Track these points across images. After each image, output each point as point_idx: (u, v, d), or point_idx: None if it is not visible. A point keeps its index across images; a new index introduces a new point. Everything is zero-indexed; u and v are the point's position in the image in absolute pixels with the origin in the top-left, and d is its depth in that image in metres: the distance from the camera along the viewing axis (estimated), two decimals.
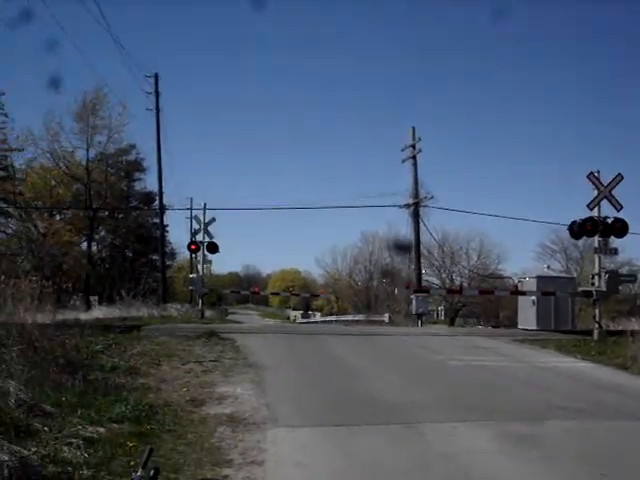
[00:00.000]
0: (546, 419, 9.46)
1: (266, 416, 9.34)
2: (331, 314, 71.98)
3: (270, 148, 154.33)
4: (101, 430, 7.99)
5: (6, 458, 5.44)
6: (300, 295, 72.93)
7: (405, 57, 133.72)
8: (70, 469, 6.36)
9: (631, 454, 7.89)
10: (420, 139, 37.22)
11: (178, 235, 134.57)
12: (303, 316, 77.99)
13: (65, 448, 6.88)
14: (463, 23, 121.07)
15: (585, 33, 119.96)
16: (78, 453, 6.86)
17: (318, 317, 73.47)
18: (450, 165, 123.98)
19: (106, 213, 51.57)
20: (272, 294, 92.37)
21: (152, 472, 5.02)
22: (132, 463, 6.73)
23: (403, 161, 38.02)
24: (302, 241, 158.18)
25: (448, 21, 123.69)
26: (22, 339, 11.14)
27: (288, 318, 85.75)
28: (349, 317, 58.22)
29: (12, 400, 8.39)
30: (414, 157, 37.42)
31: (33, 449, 6.59)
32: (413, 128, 37.58)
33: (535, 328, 24.38)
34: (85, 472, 6.37)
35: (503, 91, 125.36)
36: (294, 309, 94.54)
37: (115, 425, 8.32)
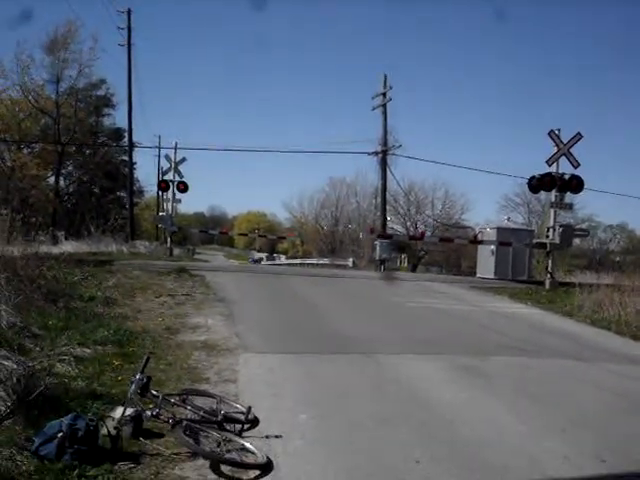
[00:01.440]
0: (492, 355, 10.49)
1: (237, 343, 10.19)
2: (296, 257, 72.83)
3: (242, 89, 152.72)
4: (88, 351, 8.77)
5: (15, 367, 6.18)
6: (267, 237, 73.49)
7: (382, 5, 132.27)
8: (66, 380, 7.16)
9: (561, 384, 8.96)
10: (391, 87, 37.67)
11: (146, 173, 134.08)
12: (268, 258, 78.73)
13: (58, 364, 7.64)
14: None
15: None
16: (70, 368, 7.64)
17: (283, 260, 74.25)
18: (423, 115, 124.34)
19: (74, 148, 51.39)
20: (240, 235, 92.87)
21: (145, 379, 5.87)
22: (120, 378, 7.56)
23: (373, 109, 38.54)
24: (269, 184, 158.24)
25: None
26: (7, 268, 11.82)
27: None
28: (314, 260, 59.08)
29: (4, 322, 9.14)
30: (384, 105, 37.92)
31: (29, 364, 7.35)
32: (385, 76, 37.98)
33: (493, 277, 25.47)
34: (80, 383, 7.19)
35: (472, 43, 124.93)
36: (259, 251, 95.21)
37: (99, 347, 9.10)
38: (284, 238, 75.90)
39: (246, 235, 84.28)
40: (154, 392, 5.94)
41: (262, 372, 8.48)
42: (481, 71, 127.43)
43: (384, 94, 37.77)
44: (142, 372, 5.77)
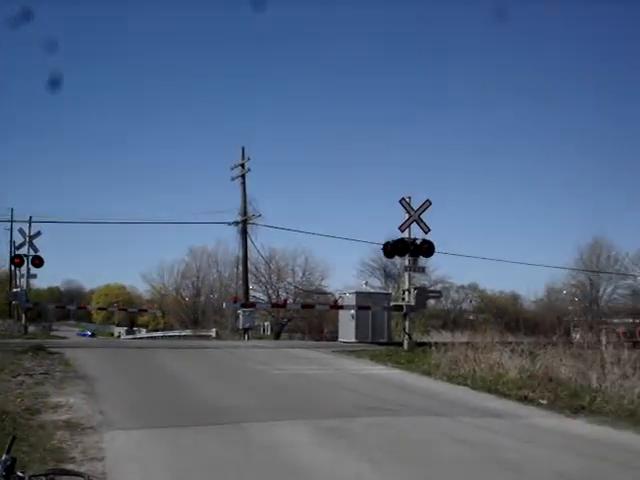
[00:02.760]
0: (355, 416, 10.82)
1: (101, 421, 9.99)
2: (157, 330, 71.41)
3: (97, 161, 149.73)
4: None
5: None
6: (127, 310, 71.75)
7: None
8: None
9: (422, 440, 9.39)
10: (249, 159, 38.47)
11: None
12: (128, 332, 76.69)
13: None
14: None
15: None
16: None
17: (144, 333, 72.58)
18: (282, 183, 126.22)
19: None
20: (99, 309, 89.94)
21: (9, 461, 5.75)
22: None
23: (232, 179, 39.11)
24: (128, 256, 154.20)
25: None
26: None
27: (112, 334, 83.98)
28: (176, 333, 58.21)
29: None
30: (243, 176, 38.59)
31: None
32: (242, 148, 38.79)
33: (354, 340, 26.13)
34: None
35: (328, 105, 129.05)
36: (118, 325, 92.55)
37: None
38: (145, 311, 74.21)
39: (105, 309, 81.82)
40: (19, 474, 5.77)
41: (129, 449, 8.39)
42: (328, 141, 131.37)
43: (242, 165, 38.46)
44: (7, 453, 5.64)
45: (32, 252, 29.32)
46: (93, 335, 70.05)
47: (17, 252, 30.71)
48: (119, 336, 72.08)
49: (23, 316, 30.43)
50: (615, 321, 62.96)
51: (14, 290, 33.01)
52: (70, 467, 7.30)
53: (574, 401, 12.85)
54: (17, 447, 8.04)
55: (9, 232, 51.54)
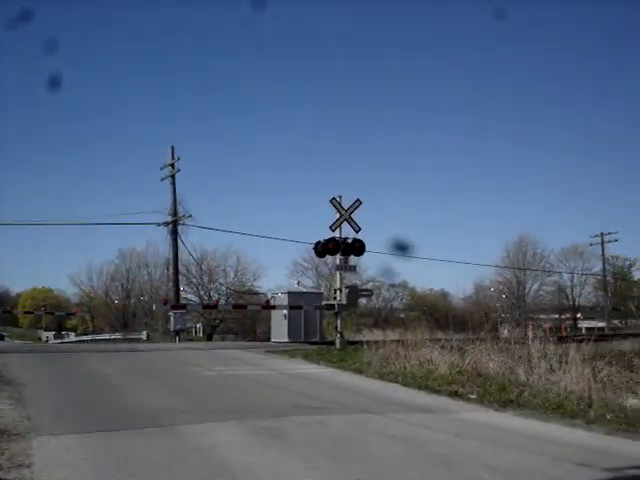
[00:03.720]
0: (288, 415, 10.85)
1: (28, 427, 9.75)
2: (86, 334, 70.16)
3: (22, 162, 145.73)
4: None
5: None
6: (55, 314, 70.29)
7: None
8: None
9: (355, 437, 9.50)
10: (179, 159, 38.12)
11: None
12: (56, 336, 75.14)
13: None
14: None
15: None
16: None
17: (72, 337, 71.22)
18: (213, 184, 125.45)
19: None
20: (25, 313, 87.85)
21: None
22: None
23: (162, 179, 38.71)
24: (55, 258, 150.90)
25: None
26: None
27: (40, 339, 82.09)
28: (106, 336, 57.36)
29: None
30: (173, 176, 38.23)
31: None
32: (172, 147, 38.45)
33: (287, 340, 26.20)
34: None
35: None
36: (46, 329, 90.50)
37: None
38: (73, 314, 72.82)
39: (32, 313, 79.97)
40: None
41: (58, 454, 8.21)
42: (264, 139, 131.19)
43: (172, 165, 38.09)
44: None
45: None
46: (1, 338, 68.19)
47: None
48: (47, 340, 70.63)
49: None
50: (542, 317, 64.78)
51: None
52: None
53: (502, 395, 13.15)
54: None
55: None
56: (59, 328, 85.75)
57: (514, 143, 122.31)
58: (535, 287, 72.82)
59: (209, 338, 50.76)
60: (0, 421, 10.12)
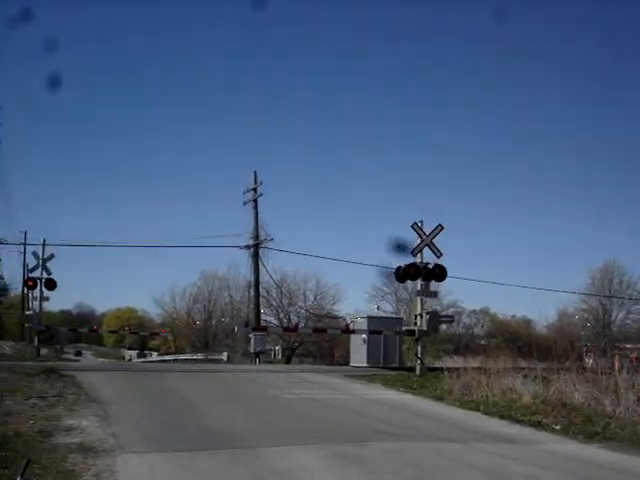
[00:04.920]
0: (368, 441, 10.78)
1: (114, 444, 9.99)
2: (168, 354, 71.43)
3: (111, 186, 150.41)
4: None
5: None
6: (139, 333, 71.91)
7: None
8: None
9: (435, 465, 9.34)
10: (261, 183, 38.70)
11: (11, 270, 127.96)
12: (139, 355, 76.81)
13: None
14: None
15: None
16: None
17: (155, 356, 72.63)
18: (294, 206, 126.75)
19: None
20: (110, 332, 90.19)
21: None
22: None
23: (245, 203, 39.31)
24: (139, 280, 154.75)
25: None
26: None
27: (123, 357, 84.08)
28: (187, 356, 58.22)
29: None
30: (255, 200, 38.79)
31: None
32: (255, 172, 39.02)
33: (366, 365, 26.06)
34: None
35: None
36: (129, 348, 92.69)
37: None
38: (156, 334, 74.36)
39: (116, 332, 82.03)
40: None
41: (142, 472, 8.39)
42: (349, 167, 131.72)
43: (255, 189, 38.67)
44: (22, 476, 5.67)
45: (45, 275, 29.49)
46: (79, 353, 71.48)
47: (30, 275, 30.88)
48: (130, 359, 72.25)
49: (35, 339, 30.54)
50: (628, 346, 62.54)
51: (27, 313, 33.16)
52: None
53: (588, 427, 12.75)
54: (30, 470, 8.07)
55: (22, 255, 52.01)
56: (142, 347, 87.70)
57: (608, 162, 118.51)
58: (621, 315, 70.55)
59: (288, 361, 50.97)
60: (86, 438, 10.41)
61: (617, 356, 33.52)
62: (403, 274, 24.20)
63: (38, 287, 29.73)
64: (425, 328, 24.03)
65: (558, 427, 12.99)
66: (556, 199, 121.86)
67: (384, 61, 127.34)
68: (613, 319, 70.30)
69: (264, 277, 42.10)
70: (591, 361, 24.82)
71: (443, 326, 44.88)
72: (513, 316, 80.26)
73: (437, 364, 28.62)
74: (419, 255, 23.88)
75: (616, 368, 17.70)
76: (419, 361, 23.93)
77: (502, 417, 14.11)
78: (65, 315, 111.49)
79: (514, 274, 72.49)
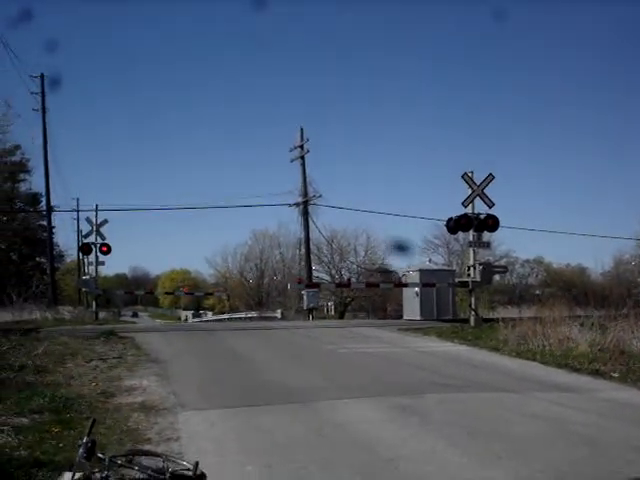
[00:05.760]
0: (425, 393, 10.82)
1: (175, 402, 10.21)
2: (222, 313, 72.32)
3: (157, 148, 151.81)
4: (25, 420, 8.70)
5: None
6: (194, 294, 72.96)
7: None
8: (7, 450, 7.11)
9: (493, 415, 9.35)
10: (308, 140, 38.54)
11: (65, 236, 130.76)
12: (195, 315, 77.94)
13: None
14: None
15: None
16: (10, 439, 7.60)
17: (210, 316, 73.65)
18: (342, 163, 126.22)
19: None
20: (166, 293, 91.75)
21: (90, 443, 5.92)
22: (61, 444, 7.53)
23: (292, 161, 39.28)
24: (191, 241, 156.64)
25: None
26: None
27: (179, 318, 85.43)
28: (242, 314, 58.85)
29: None
30: (302, 157, 38.71)
31: None
32: (301, 129, 38.86)
33: (419, 318, 26.08)
34: (22, 452, 7.15)
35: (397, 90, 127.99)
36: (185, 309, 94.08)
37: (36, 415, 9.01)
38: (211, 294, 75.28)
39: (172, 293, 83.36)
40: (100, 455, 5.95)
41: (203, 428, 8.56)
42: (391, 116, 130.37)
43: (302, 146, 38.54)
44: (88, 435, 5.82)
45: (100, 240, 29.96)
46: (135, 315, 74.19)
47: (85, 241, 31.43)
48: (186, 319, 73.42)
49: (93, 303, 31.18)
50: None
51: (83, 278, 33.87)
52: (147, 447, 7.50)
53: None
54: (95, 430, 8.28)
55: (76, 221, 53.06)
56: (197, 307, 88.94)
57: None
58: None
59: (341, 316, 51.14)
60: (148, 397, 10.65)
61: None
62: (454, 225, 23.99)
63: (93, 252, 30.20)
64: (478, 279, 23.87)
65: (616, 375, 12.84)
66: (607, 142, 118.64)
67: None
68: None
69: (314, 234, 42.28)
70: None
71: (496, 277, 44.53)
72: (568, 265, 79.12)
73: (491, 315, 28.42)
74: (470, 206, 23.61)
75: None
76: (473, 312, 23.82)
77: (559, 366, 14.00)
78: (120, 279, 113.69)
79: (568, 221, 71.10)
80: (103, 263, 31.05)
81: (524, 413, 9.51)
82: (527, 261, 72.05)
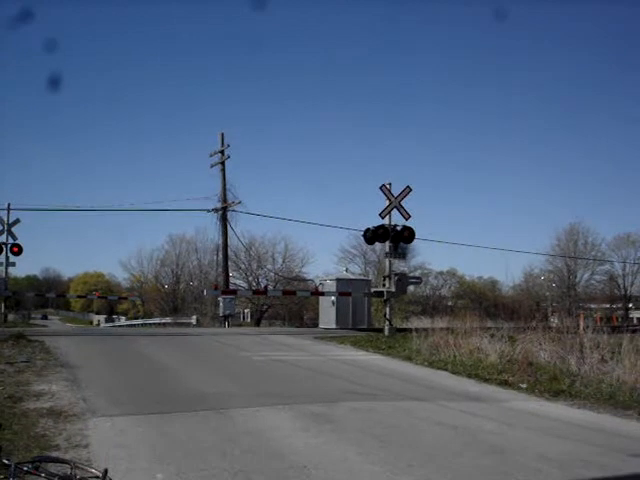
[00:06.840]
0: (339, 401, 10.90)
1: (84, 408, 9.98)
2: (136, 318, 71.24)
3: (77, 149, 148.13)
4: None
5: None
6: (107, 298, 71.52)
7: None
8: None
9: (404, 424, 9.50)
10: (229, 145, 38.33)
11: None
12: (107, 320, 76.57)
13: None
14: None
15: None
16: None
17: (124, 321, 72.44)
18: (263, 170, 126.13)
19: None
20: (78, 297, 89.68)
21: None
22: None
23: (212, 166, 38.97)
24: (106, 244, 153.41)
25: None
26: None
27: (91, 322, 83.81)
28: (156, 320, 58.12)
29: None
30: (223, 163, 38.45)
31: None
32: (222, 134, 38.60)
33: (335, 327, 26.26)
34: None
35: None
36: (97, 313, 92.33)
37: None
38: (124, 298, 73.96)
39: (84, 297, 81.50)
40: (5, 461, 5.78)
41: (113, 435, 8.40)
42: (320, 126, 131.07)
43: (222, 152, 38.30)
44: None
45: (11, 240, 29.08)
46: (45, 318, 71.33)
47: None
48: (98, 324, 72.00)
49: (2, 305, 30.22)
50: (592, 306, 63.62)
51: None
52: (55, 454, 7.31)
53: (554, 385, 13.03)
54: (1, 435, 8.05)
55: None
56: (110, 312, 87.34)
57: (567, 130, 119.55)
58: (586, 276, 71.49)
59: (257, 323, 51.04)
60: (56, 402, 10.39)
61: (582, 315, 34.09)
62: (372, 236, 24.30)
63: (4, 252, 29.30)
64: (393, 289, 24.20)
65: (524, 385, 13.24)
66: (522, 161, 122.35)
67: None
68: (578, 280, 71.27)
69: (232, 240, 42.01)
70: (556, 321, 25.27)
71: (411, 287, 45.33)
72: (480, 277, 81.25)
73: (405, 325, 28.89)
74: (387, 217, 23.95)
75: (581, 327, 18.00)
76: (387, 322, 24.14)
77: (470, 376, 14.35)
78: (31, 280, 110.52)
79: (481, 236, 72.99)
80: (13, 264, 30.16)
81: (435, 422, 9.70)
82: (441, 273, 73.59)
